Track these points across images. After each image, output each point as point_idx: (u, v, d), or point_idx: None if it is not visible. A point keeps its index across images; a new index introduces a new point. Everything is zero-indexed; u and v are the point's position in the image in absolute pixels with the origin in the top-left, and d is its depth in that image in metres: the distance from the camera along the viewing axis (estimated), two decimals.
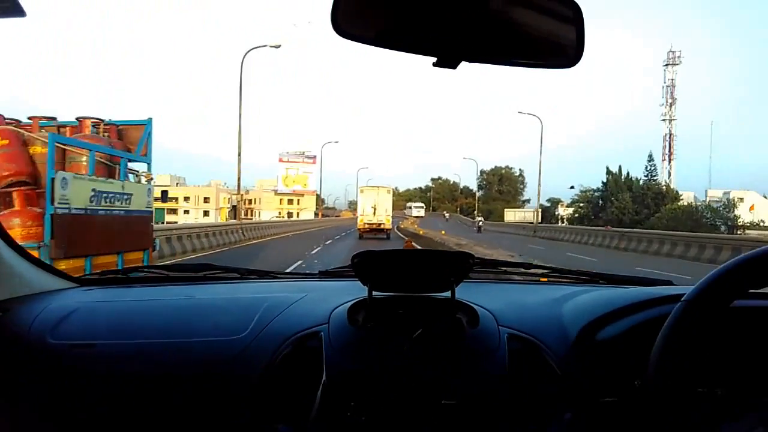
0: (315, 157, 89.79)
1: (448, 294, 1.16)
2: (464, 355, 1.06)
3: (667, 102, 74.97)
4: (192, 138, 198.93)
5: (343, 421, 0.97)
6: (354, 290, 1.23)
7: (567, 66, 0.81)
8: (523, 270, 1.64)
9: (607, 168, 60.45)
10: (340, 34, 0.76)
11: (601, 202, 60.48)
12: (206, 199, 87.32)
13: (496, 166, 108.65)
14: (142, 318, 1.26)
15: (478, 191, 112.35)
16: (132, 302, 1.37)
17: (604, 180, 59.88)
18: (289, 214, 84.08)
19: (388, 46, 0.76)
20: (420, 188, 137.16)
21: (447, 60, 0.76)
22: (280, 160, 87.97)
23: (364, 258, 1.09)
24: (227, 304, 1.31)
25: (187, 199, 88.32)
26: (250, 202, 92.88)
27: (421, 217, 71.27)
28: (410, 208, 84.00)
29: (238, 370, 1.09)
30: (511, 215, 76.05)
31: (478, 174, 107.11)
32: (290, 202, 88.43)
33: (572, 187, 65.38)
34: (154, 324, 1.23)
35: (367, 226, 31.43)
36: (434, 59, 0.76)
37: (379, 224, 31.23)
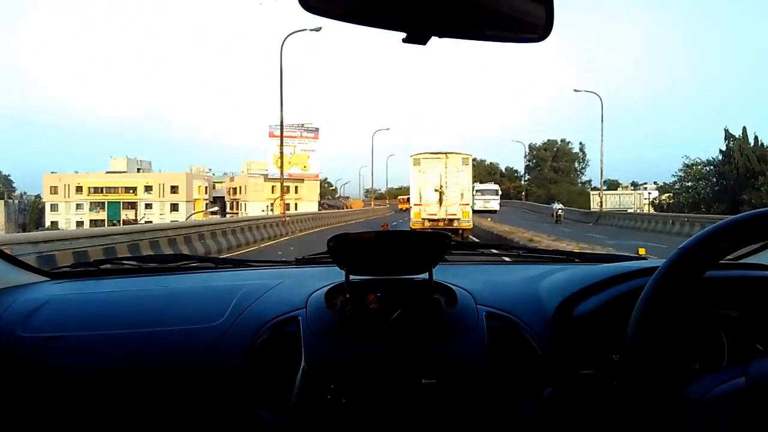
0: (317, 130, 70.48)
1: (425, 276, 1.17)
2: (443, 334, 1.09)
3: None
4: (167, 116, 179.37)
5: (324, 404, 0.99)
6: (331, 275, 1.23)
7: (536, 40, 0.82)
8: (499, 251, 1.69)
9: (726, 131, 40.76)
10: (308, 10, 0.75)
11: (717, 179, 41.87)
12: (174, 189, 68.02)
13: (548, 140, 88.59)
14: (115, 309, 1.26)
15: (525, 173, 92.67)
16: (104, 293, 1.37)
17: (723, 148, 40.69)
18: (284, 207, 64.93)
19: (356, 21, 0.76)
20: None
21: (416, 35, 0.76)
22: (271, 135, 68.51)
23: (339, 242, 1.09)
24: (202, 292, 1.32)
25: (149, 189, 69.21)
26: (235, 191, 73.61)
27: (493, 211, 45.26)
28: (479, 192, 47.64)
29: (216, 358, 1.10)
30: (604, 200, 56.45)
31: (527, 152, 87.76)
32: (285, 189, 69.12)
33: (686, 158, 46.36)
34: (128, 314, 1.22)
35: (428, 223, 19.20)
36: (403, 35, 0.76)
37: (450, 221, 19.00)
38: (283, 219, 21.80)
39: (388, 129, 70.55)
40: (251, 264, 1.67)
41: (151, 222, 59.38)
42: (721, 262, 0.86)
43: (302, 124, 69.71)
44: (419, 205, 19.48)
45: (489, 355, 1.06)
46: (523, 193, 79.55)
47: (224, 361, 1.09)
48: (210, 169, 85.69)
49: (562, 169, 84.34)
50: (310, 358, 1.03)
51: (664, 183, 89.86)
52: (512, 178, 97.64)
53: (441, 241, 1.13)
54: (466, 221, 19.31)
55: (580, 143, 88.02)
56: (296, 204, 68.24)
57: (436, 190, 19.17)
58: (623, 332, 0.86)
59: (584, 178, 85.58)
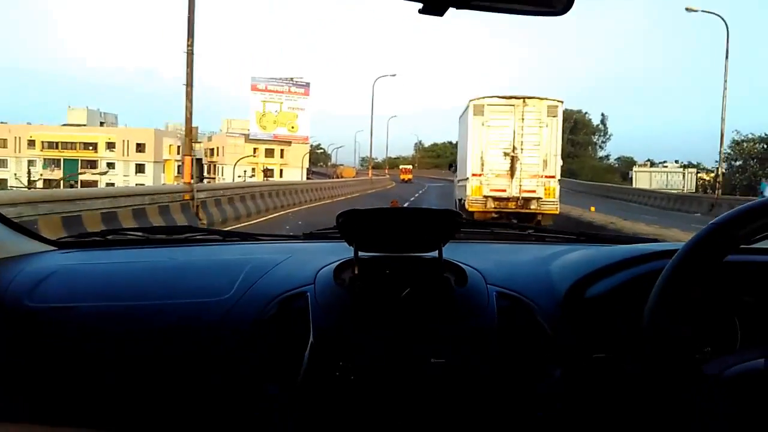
0: (308, 86, 61.96)
1: (435, 254, 1.17)
2: (453, 313, 1.09)
3: None
4: (139, 64, 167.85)
5: (332, 380, 1.00)
6: (340, 251, 1.23)
7: (557, 14, 0.80)
8: (510, 230, 1.66)
9: None
10: None
11: None
12: (140, 147, 59.58)
13: (564, 110, 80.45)
14: (123, 280, 1.26)
15: None
16: (112, 264, 1.36)
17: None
18: (267, 173, 56.77)
19: None
20: (447, 143, 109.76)
21: (433, 6, 0.74)
22: (254, 89, 59.95)
23: (349, 217, 1.09)
24: (210, 265, 1.31)
25: (111, 146, 60.68)
26: (212, 153, 65.30)
27: None
28: None
29: (223, 332, 1.10)
30: (644, 179, 49.25)
31: None
32: (269, 153, 60.90)
33: (736, 133, 39.87)
34: (136, 286, 1.23)
35: (492, 204, 12.45)
36: (420, 6, 0.74)
37: (527, 201, 12.35)
38: (186, 197, 11.70)
39: (393, 75, 61.17)
40: (259, 238, 1.67)
41: (113, 185, 51.54)
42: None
43: (291, 78, 61.09)
44: (479, 175, 12.59)
45: (498, 335, 1.06)
46: None
47: (232, 336, 1.09)
48: (198, 128, 77.39)
49: (581, 143, 76.57)
50: (318, 335, 1.03)
51: (688, 162, 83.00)
52: None
53: (452, 218, 1.12)
54: (550, 203, 12.44)
55: (602, 114, 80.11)
56: (281, 170, 60.13)
57: (506, 154, 12.38)
58: (637, 316, 0.87)
59: (601, 153, 78.02)
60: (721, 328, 1.05)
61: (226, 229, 4.01)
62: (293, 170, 58.72)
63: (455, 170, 16.81)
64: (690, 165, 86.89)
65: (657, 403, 0.85)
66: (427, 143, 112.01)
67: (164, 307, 1.16)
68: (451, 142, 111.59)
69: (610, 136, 78.97)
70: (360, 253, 1.16)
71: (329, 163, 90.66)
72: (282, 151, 59.87)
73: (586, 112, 79.68)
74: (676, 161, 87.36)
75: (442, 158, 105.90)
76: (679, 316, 0.82)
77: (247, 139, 59.06)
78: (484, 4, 0.76)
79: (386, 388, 1.00)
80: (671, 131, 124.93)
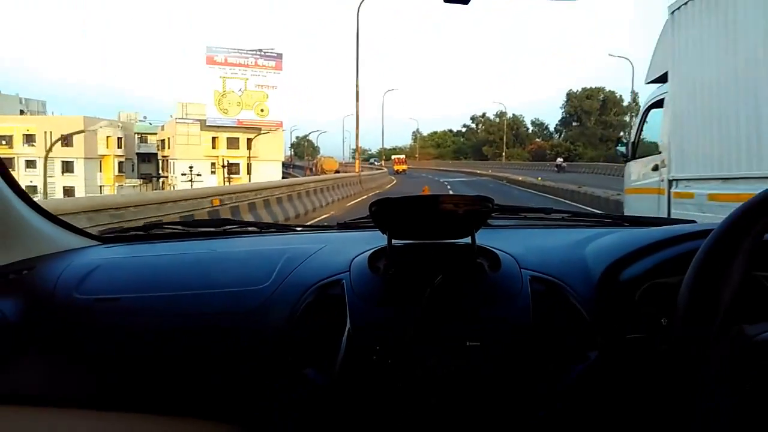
0: (280, 58, 49.77)
1: (468, 240, 1.19)
2: (487, 298, 1.11)
3: None
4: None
5: (369, 365, 1.03)
6: (373, 239, 1.27)
7: None
8: (543, 215, 1.66)
9: None
10: None
11: None
12: (66, 141, 47.03)
13: (595, 87, 68.79)
14: (164, 272, 1.33)
15: (561, 127, 73.35)
16: (154, 257, 1.43)
17: None
18: (229, 169, 44.64)
19: None
20: (447, 131, 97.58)
21: None
22: (211, 62, 47.66)
23: (381, 206, 1.12)
24: (248, 256, 1.37)
25: (30, 139, 48.29)
26: (163, 145, 52.92)
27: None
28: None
29: (263, 319, 1.15)
30: None
31: (563, 103, 68.10)
32: (233, 143, 48.60)
33: None
34: (177, 277, 1.29)
35: None
36: None
37: None
38: None
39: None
40: (294, 229, 1.73)
41: (36, 188, 39.54)
42: None
43: (259, 50, 48.87)
44: None
45: (534, 319, 1.08)
46: (560, 156, 60.32)
47: (271, 322, 1.14)
48: (145, 117, 64.25)
49: (614, 125, 64.88)
50: (355, 320, 1.06)
51: None
52: (542, 135, 78.08)
53: (484, 204, 1.14)
54: None
55: (633, 92, 68.39)
56: (249, 166, 47.86)
57: None
58: (672, 297, 0.88)
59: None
60: (754, 308, 1.03)
61: None
62: (266, 165, 46.68)
63: (631, 156, 7.23)
64: None
65: (685, 374, 0.85)
66: (425, 131, 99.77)
67: (204, 296, 1.20)
68: (451, 131, 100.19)
69: None
70: (393, 241, 1.19)
71: (318, 156, 78.38)
72: (249, 140, 47.62)
73: (612, 91, 68.01)
74: None
75: (443, 148, 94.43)
76: (713, 299, 0.82)
77: (204, 125, 46.82)
78: None
79: (423, 372, 1.03)
80: None
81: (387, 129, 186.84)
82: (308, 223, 1.78)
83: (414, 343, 1.03)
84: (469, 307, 1.09)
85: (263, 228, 1.69)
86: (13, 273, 1.25)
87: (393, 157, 53.34)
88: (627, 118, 66.61)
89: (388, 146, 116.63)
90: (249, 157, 47.13)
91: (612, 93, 67.25)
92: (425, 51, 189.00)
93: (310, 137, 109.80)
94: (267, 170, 46.26)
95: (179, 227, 1.70)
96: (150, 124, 60.15)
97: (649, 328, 1.04)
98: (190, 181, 42.52)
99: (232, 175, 45.40)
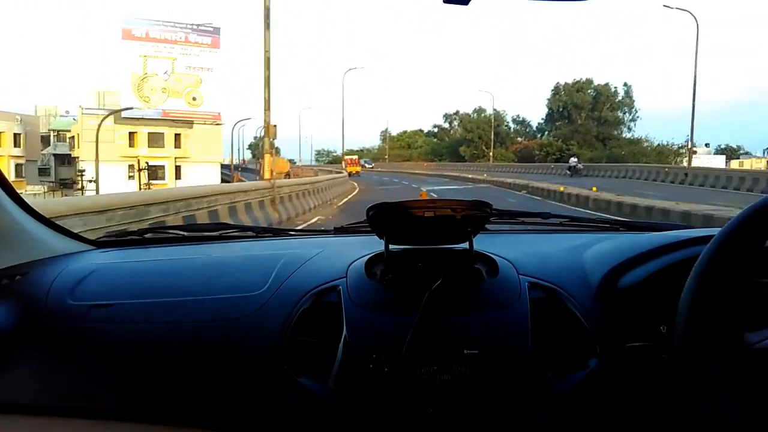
0: (218, 33, 40.51)
1: (465, 245, 1.19)
2: (485, 304, 1.11)
3: None
4: None
5: (366, 373, 1.03)
6: (370, 244, 1.26)
7: None
8: (541, 219, 1.67)
9: None
10: None
11: None
12: None
13: (585, 79, 61.63)
14: (159, 277, 1.33)
15: (547, 123, 66.00)
16: (149, 262, 1.43)
17: None
18: (151, 173, 35.24)
19: None
20: (418, 131, 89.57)
21: None
22: (128, 36, 38.03)
23: (379, 211, 1.12)
24: (244, 261, 1.37)
25: None
26: (73, 144, 42.87)
27: None
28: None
29: (258, 326, 1.15)
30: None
31: (549, 97, 60.91)
32: (155, 140, 38.91)
33: None
34: (172, 283, 1.29)
35: None
36: None
37: None
38: None
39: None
40: (290, 233, 1.74)
41: None
42: None
43: (192, 23, 39.53)
44: None
45: (532, 326, 1.08)
46: (549, 154, 52.93)
47: (266, 330, 1.13)
48: (67, 112, 53.55)
49: (609, 121, 57.83)
50: (351, 328, 1.06)
51: (726, 146, 65.44)
52: (525, 134, 70.70)
53: (481, 209, 1.15)
54: None
55: (625, 85, 61.63)
56: (177, 169, 38.41)
57: None
58: (672, 304, 0.88)
59: (628, 135, 59.52)
60: (756, 314, 1.04)
61: None
62: (200, 168, 37.39)
63: None
64: (730, 149, 70.30)
65: (686, 382, 0.85)
66: (394, 132, 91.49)
67: (200, 302, 1.20)
68: (422, 130, 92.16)
69: (637, 112, 60.66)
70: (391, 246, 1.19)
71: (291, 161, 69.18)
72: (177, 136, 38.24)
73: (606, 83, 61.10)
74: (707, 145, 71.19)
75: (414, 149, 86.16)
76: (715, 306, 0.82)
77: (119, 118, 37.14)
78: None
79: (420, 380, 1.02)
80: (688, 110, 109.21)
81: (352, 128, 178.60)
82: (303, 228, 1.95)
83: (411, 350, 1.03)
84: (467, 313, 1.09)
85: (259, 232, 1.70)
86: (6, 278, 1.26)
87: (345, 157, 46.19)
88: (621, 114, 59.92)
89: (355, 147, 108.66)
90: (178, 157, 37.76)
91: (605, 85, 60.45)
92: (394, 46, 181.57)
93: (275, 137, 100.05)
94: (201, 174, 37.04)
95: (175, 232, 1.67)
96: (74, 119, 49.77)
97: (649, 336, 1.05)
98: (81, 189, 32.94)
99: (154, 181, 35.96)
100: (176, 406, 1.16)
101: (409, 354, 1.02)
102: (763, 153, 63.89)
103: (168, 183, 37.15)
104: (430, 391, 1.02)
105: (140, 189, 34.08)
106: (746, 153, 68.39)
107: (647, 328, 1.06)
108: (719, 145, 71.64)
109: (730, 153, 68.11)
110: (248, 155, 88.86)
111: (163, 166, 37.29)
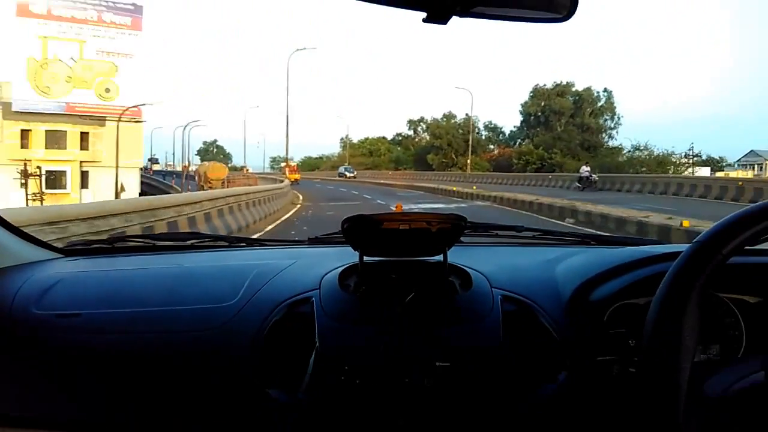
0: (139, 11, 33.90)
1: (440, 258, 1.21)
2: (457, 317, 1.13)
3: None
4: None
5: (337, 385, 1.03)
6: (345, 256, 1.27)
7: (561, 20, 0.83)
8: (515, 232, 1.69)
9: None
10: None
11: None
12: None
13: (566, 82, 56.86)
14: (129, 287, 1.31)
15: (523, 130, 61.23)
16: (118, 271, 1.42)
17: None
18: (49, 180, 28.53)
19: (374, 0, 0.77)
20: (381, 138, 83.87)
21: (437, 15, 0.76)
22: (25, 13, 31.05)
23: (354, 223, 1.14)
24: (216, 271, 1.37)
25: None
26: None
27: None
28: None
29: (229, 338, 1.14)
30: None
31: (525, 102, 56.05)
32: (55, 140, 31.88)
33: None
34: (142, 293, 1.28)
35: None
36: (423, 15, 0.76)
37: None
38: None
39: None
40: (264, 243, 1.74)
41: None
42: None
43: (112, 2, 32.84)
44: None
45: (504, 339, 1.09)
46: (529, 163, 47.93)
47: (237, 341, 1.13)
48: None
49: (592, 128, 53.10)
50: (323, 340, 1.07)
51: (708, 157, 61.65)
52: (498, 141, 65.57)
53: (456, 222, 1.16)
54: None
55: (606, 90, 57.15)
56: (84, 175, 31.73)
57: None
58: (641, 318, 0.90)
59: (611, 143, 54.89)
60: (725, 329, 1.12)
61: None
62: (113, 175, 30.66)
63: None
64: (712, 161, 66.67)
65: (654, 411, 0.86)
66: (354, 139, 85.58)
67: (169, 313, 1.19)
68: (384, 137, 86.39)
69: (619, 119, 56.13)
70: (365, 258, 1.20)
71: (241, 167, 62.07)
72: (85, 136, 31.49)
73: (588, 87, 56.53)
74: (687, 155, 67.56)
75: (376, 156, 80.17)
76: (681, 322, 0.83)
77: (9, 112, 30.16)
78: (487, 12, 0.78)
79: (391, 392, 1.03)
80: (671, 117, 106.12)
81: (314, 134, 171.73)
82: (278, 238, 1.88)
83: (383, 362, 1.04)
84: (439, 326, 1.10)
85: (232, 242, 1.69)
86: None
87: (282, 165, 42.37)
88: (602, 121, 55.31)
89: (314, 154, 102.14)
90: (85, 161, 31.07)
91: (587, 90, 55.81)
92: (358, 47, 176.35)
93: (219, 142, 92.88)
94: (120, 180, 30.34)
95: (146, 240, 1.65)
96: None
97: (619, 350, 1.08)
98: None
99: (52, 190, 29.15)
100: (143, 417, 1.13)
101: (381, 366, 1.03)
102: (735, 165, 61.41)
103: (70, 193, 30.36)
104: (402, 403, 1.03)
105: (28, 200, 27.24)
106: (729, 164, 65.23)
107: (617, 342, 1.09)
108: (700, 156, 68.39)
109: (713, 164, 64.59)
110: (197, 161, 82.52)
111: (64, 172, 30.45)
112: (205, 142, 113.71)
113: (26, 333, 1.18)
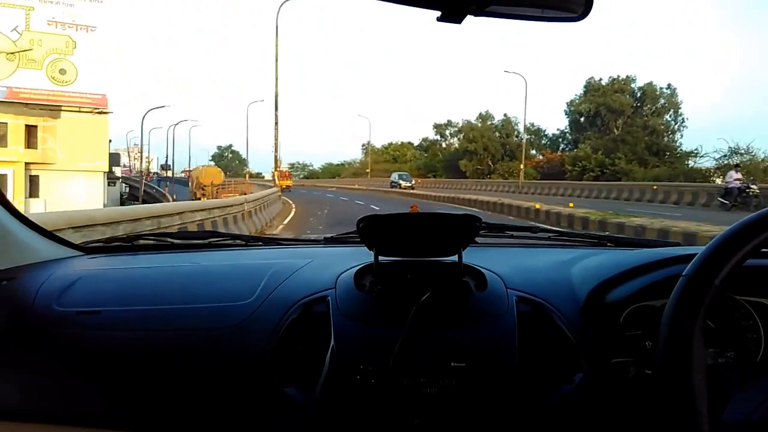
0: None
1: (455, 258, 1.22)
2: (473, 317, 1.14)
3: None
4: None
5: (353, 384, 1.05)
6: (360, 255, 1.29)
7: (576, 19, 0.83)
8: (530, 234, 1.70)
9: None
10: None
11: None
12: None
13: (625, 76, 49.24)
14: (147, 285, 1.34)
15: (572, 131, 53.71)
16: (137, 269, 1.45)
17: None
18: None
19: None
20: (407, 143, 77.11)
21: (451, 13, 0.75)
22: None
23: (369, 222, 1.15)
24: (233, 270, 1.39)
25: None
26: None
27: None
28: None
29: (245, 336, 1.16)
30: None
31: (576, 99, 48.57)
32: None
33: None
34: (160, 291, 1.30)
35: None
36: (438, 13, 0.75)
37: None
38: None
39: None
40: (281, 242, 1.76)
41: None
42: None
43: None
44: None
45: (519, 340, 1.10)
46: (587, 170, 40.22)
47: (254, 340, 1.14)
48: None
49: (657, 131, 45.16)
50: (339, 339, 1.08)
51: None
52: (541, 145, 57.88)
53: (471, 223, 1.17)
54: None
55: (669, 86, 49.15)
56: (32, 180, 25.17)
57: None
58: (656, 320, 0.90)
59: (683, 143, 46.74)
60: (742, 332, 1.12)
61: None
62: (71, 180, 24.13)
63: None
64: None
65: (669, 400, 0.86)
66: (378, 144, 78.76)
67: (186, 311, 1.21)
68: (410, 143, 79.33)
69: (685, 120, 47.97)
70: (380, 258, 1.21)
71: (244, 172, 55.88)
72: (32, 130, 24.90)
73: (650, 82, 48.64)
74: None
75: (401, 162, 72.96)
76: (697, 324, 0.83)
77: None
78: (502, 11, 0.78)
79: (406, 392, 1.04)
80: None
81: (335, 142, 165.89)
82: (294, 237, 1.87)
83: (398, 362, 1.04)
84: (454, 326, 1.11)
85: (249, 241, 1.71)
86: None
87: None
88: (666, 120, 47.23)
89: (335, 161, 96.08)
90: (32, 162, 24.50)
91: (650, 85, 47.97)
92: (380, 48, 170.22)
93: (234, 147, 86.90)
94: (73, 190, 23.79)
95: (164, 239, 1.68)
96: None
97: (635, 352, 1.08)
98: None
99: None
100: (161, 414, 1.15)
101: (397, 366, 1.04)
102: None
103: (14, 202, 23.59)
104: (417, 403, 1.03)
105: None
106: None
107: (633, 343, 1.10)
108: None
109: None
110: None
111: (4, 176, 23.77)
112: (220, 146, 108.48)
113: (48, 329, 1.20)
